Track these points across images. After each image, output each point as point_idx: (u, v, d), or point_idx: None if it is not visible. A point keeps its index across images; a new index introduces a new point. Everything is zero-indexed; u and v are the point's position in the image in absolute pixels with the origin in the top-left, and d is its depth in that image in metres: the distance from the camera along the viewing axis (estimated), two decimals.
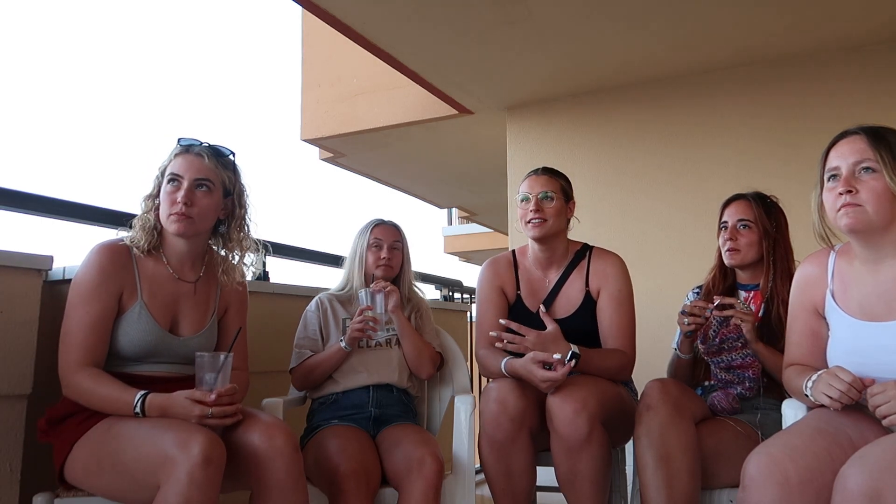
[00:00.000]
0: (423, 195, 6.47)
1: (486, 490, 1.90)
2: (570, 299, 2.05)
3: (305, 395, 2.10)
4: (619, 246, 2.24)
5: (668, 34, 3.18)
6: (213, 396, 1.41)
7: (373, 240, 2.13)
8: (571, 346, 1.82)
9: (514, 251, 2.19)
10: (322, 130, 4.59)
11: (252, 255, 1.78)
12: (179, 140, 1.67)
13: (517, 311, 2.07)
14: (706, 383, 1.99)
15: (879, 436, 1.30)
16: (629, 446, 1.91)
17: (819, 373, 1.42)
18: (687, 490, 1.64)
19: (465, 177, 5.70)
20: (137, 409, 1.43)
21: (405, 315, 2.09)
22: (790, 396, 1.64)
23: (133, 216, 1.67)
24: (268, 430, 1.45)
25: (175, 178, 1.61)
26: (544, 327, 1.89)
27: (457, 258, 11.65)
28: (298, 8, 3.19)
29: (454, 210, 10.57)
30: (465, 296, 4.16)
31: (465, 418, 1.95)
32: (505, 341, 1.83)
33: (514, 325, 1.82)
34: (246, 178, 1.74)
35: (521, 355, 1.82)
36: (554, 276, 2.08)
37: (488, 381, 1.99)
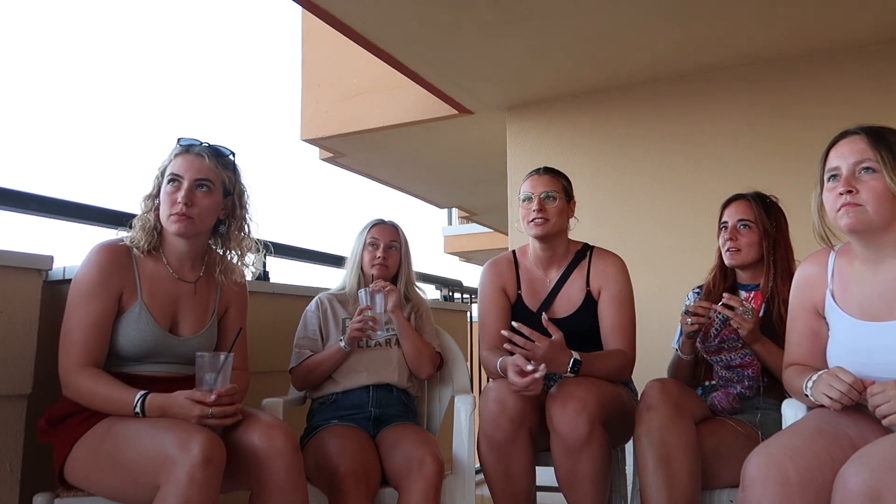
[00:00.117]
0: (423, 195, 6.48)
1: (486, 490, 1.90)
2: (570, 299, 2.05)
3: (305, 395, 2.10)
4: (620, 246, 2.24)
5: (669, 34, 3.19)
6: (212, 397, 1.41)
7: (370, 239, 2.14)
8: (573, 353, 1.82)
9: (514, 251, 2.19)
10: (322, 130, 4.59)
11: (252, 255, 1.78)
12: (179, 140, 1.66)
13: (518, 311, 2.08)
14: (706, 383, 1.99)
15: (879, 436, 1.30)
16: (629, 446, 1.91)
17: (819, 373, 1.42)
18: (687, 490, 1.64)
19: (465, 177, 5.70)
20: (137, 409, 1.43)
21: (405, 315, 2.09)
22: (790, 396, 1.64)
23: (133, 216, 1.67)
24: (268, 430, 1.45)
25: (175, 179, 1.60)
26: (544, 327, 1.90)
27: (457, 258, 11.65)
28: (298, 8, 3.19)
29: (454, 210, 10.57)
30: (465, 296, 4.16)
31: (465, 418, 1.95)
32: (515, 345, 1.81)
33: (525, 331, 1.76)
34: (246, 178, 1.74)
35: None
36: (555, 276, 2.09)
37: (488, 381, 1.99)
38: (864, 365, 1.38)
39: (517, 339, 1.74)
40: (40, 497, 1.48)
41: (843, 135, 1.46)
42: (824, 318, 1.54)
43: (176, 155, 1.64)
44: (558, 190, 2.03)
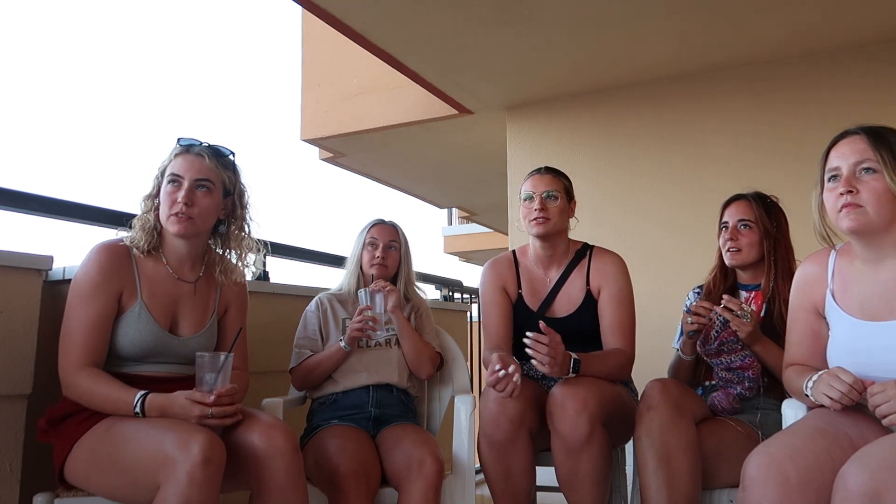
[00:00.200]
0: (423, 195, 6.47)
1: (486, 490, 1.90)
2: (570, 298, 2.05)
3: (305, 395, 2.10)
4: (620, 245, 2.24)
5: (669, 34, 3.19)
6: (212, 397, 1.41)
7: (369, 239, 2.14)
8: (572, 354, 1.82)
9: (514, 251, 2.19)
10: (322, 130, 4.58)
11: (252, 255, 1.78)
12: (179, 140, 1.66)
13: (518, 310, 2.08)
14: (706, 383, 1.99)
15: (879, 436, 1.30)
16: (629, 446, 1.91)
17: (819, 373, 1.42)
18: (687, 490, 1.64)
19: (465, 177, 5.70)
20: (137, 409, 1.43)
21: (405, 315, 2.09)
22: (790, 396, 1.64)
23: (133, 216, 1.67)
24: (268, 430, 1.45)
25: (175, 179, 1.60)
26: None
27: (457, 258, 11.64)
28: (298, 8, 3.19)
29: (454, 210, 10.57)
30: (465, 296, 4.15)
31: (465, 418, 1.95)
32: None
33: (541, 337, 1.73)
34: (246, 178, 1.74)
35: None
36: (555, 275, 2.09)
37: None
38: (865, 365, 1.38)
39: (528, 341, 1.72)
40: (40, 497, 1.48)
41: (844, 135, 1.45)
42: (825, 318, 1.54)
43: (176, 155, 1.64)
44: (559, 189, 2.03)
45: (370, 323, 1.92)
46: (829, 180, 1.45)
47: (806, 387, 1.44)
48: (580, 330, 1.98)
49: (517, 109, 4.04)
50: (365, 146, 4.79)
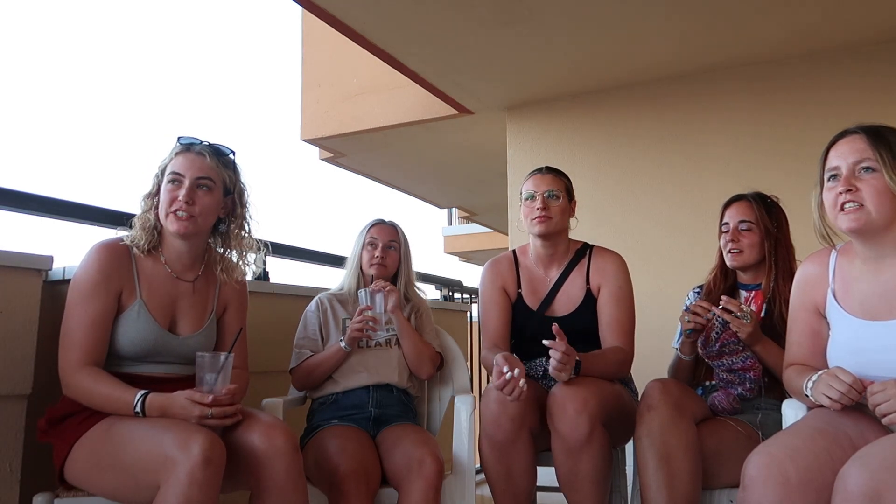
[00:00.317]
0: (423, 195, 6.47)
1: (486, 490, 1.90)
2: (570, 297, 2.05)
3: (305, 395, 2.09)
4: (620, 245, 2.24)
5: (669, 34, 3.19)
6: (209, 399, 1.41)
7: (369, 239, 2.14)
8: (576, 356, 1.81)
9: (514, 251, 2.20)
10: (322, 130, 4.58)
11: (252, 254, 1.78)
12: (179, 139, 1.66)
13: (518, 310, 2.08)
14: (706, 383, 1.99)
15: (879, 436, 1.30)
16: (629, 446, 1.91)
17: (819, 373, 1.42)
18: (687, 490, 1.64)
19: (465, 177, 5.70)
20: (137, 409, 1.43)
21: (405, 315, 2.09)
22: (790, 396, 1.64)
23: (133, 216, 1.67)
24: (268, 430, 1.45)
25: (176, 178, 1.60)
26: (544, 325, 1.90)
27: (457, 258, 11.64)
28: (298, 8, 3.19)
29: (454, 210, 10.56)
30: (465, 296, 4.15)
31: (465, 418, 1.95)
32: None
33: (557, 345, 1.73)
34: (246, 178, 1.74)
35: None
36: (555, 275, 2.09)
37: (488, 381, 1.99)
38: (865, 364, 1.38)
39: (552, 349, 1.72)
40: (40, 497, 1.48)
41: (843, 134, 1.46)
42: (825, 318, 1.54)
43: (177, 154, 1.64)
44: (561, 189, 2.04)
45: (370, 323, 1.92)
46: (828, 180, 1.45)
47: (806, 387, 1.44)
48: (580, 329, 1.98)
49: (517, 109, 4.04)
50: (365, 146, 4.79)
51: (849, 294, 1.48)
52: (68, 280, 1.61)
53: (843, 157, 1.42)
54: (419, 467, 1.70)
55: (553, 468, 1.81)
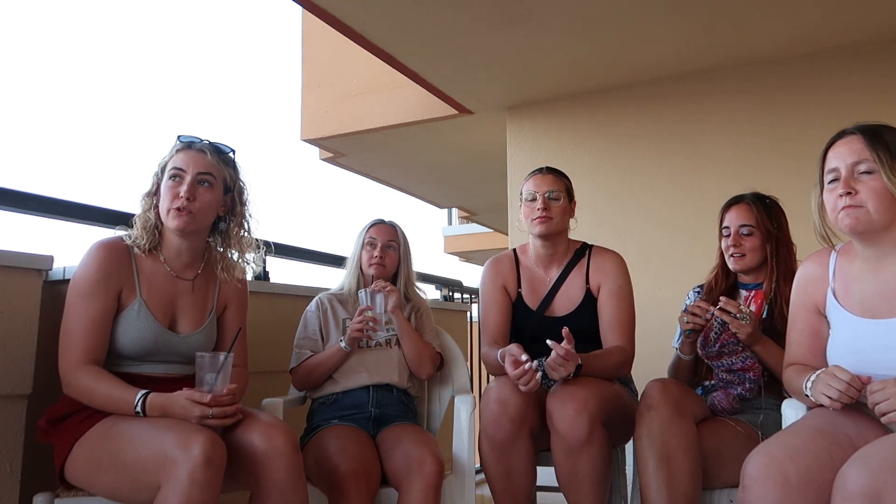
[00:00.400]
0: (423, 195, 6.47)
1: (486, 490, 1.90)
2: (570, 297, 2.06)
3: (305, 395, 2.10)
4: (620, 245, 2.24)
5: (669, 35, 3.19)
6: (208, 399, 1.41)
7: (368, 239, 2.14)
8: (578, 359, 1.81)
9: (514, 250, 2.20)
10: (322, 130, 4.59)
11: (252, 252, 1.78)
12: (179, 137, 1.66)
13: (518, 309, 2.09)
14: (706, 383, 1.99)
15: (879, 435, 1.30)
16: (629, 446, 1.91)
17: (818, 372, 1.42)
18: (687, 490, 1.64)
19: (465, 177, 5.70)
20: (138, 409, 1.43)
21: (405, 315, 2.09)
22: (790, 396, 1.64)
23: (133, 216, 1.67)
24: (268, 430, 1.45)
25: (177, 174, 1.60)
26: (544, 325, 1.90)
27: (457, 258, 11.65)
28: (298, 8, 3.19)
29: (454, 210, 10.56)
30: (465, 296, 4.15)
31: (465, 418, 1.95)
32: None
33: (559, 348, 1.73)
34: (246, 176, 1.74)
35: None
36: (554, 274, 2.10)
37: (488, 381, 1.99)
38: (865, 363, 1.38)
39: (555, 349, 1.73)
40: (40, 497, 1.48)
41: (841, 135, 1.46)
42: (825, 318, 1.54)
43: (178, 150, 1.64)
44: (561, 190, 2.05)
45: (370, 323, 1.92)
46: (828, 182, 1.45)
47: (805, 387, 1.44)
48: (580, 329, 1.97)
49: (517, 109, 4.04)
50: (365, 146, 4.79)
51: (849, 293, 1.48)
52: (68, 280, 1.61)
53: (841, 158, 1.42)
54: (419, 467, 1.70)
55: (553, 468, 1.81)
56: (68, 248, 1.79)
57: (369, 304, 1.96)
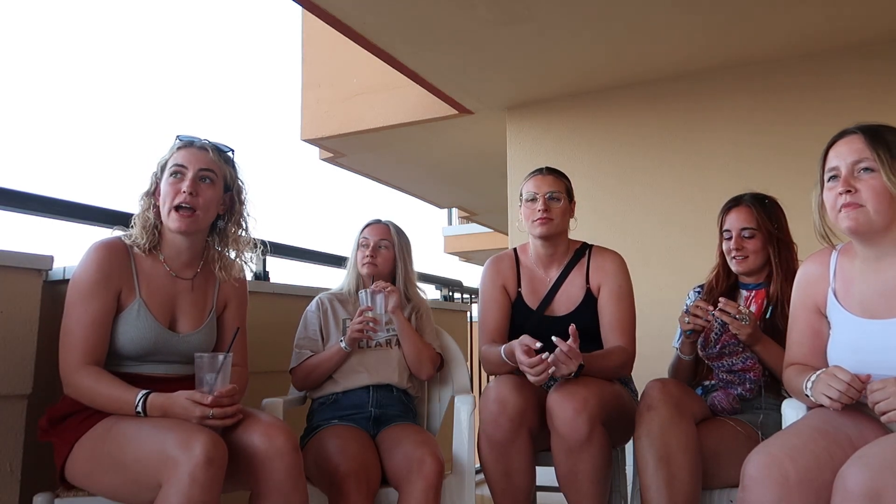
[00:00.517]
0: (423, 195, 6.47)
1: (486, 490, 1.90)
2: (570, 297, 2.06)
3: (305, 395, 2.10)
4: (620, 245, 2.25)
5: (669, 34, 3.19)
6: (209, 399, 1.41)
7: (362, 239, 2.15)
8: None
9: (515, 249, 2.20)
10: (322, 130, 4.58)
11: (249, 252, 1.78)
12: (179, 136, 1.67)
13: (518, 309, 2.09)
14: (706, 383, 1.99)
15: (879, 435, 1.30)
16: (629, 446, 1.91)
17: (818, 373, 1.42)
18: (687, 490, 1.64)
19: (465, 177, 5.70)
20: (139, 409, 1.43)
21: (405, 315, 2.09)
22: (790, 396, 1.64)
23: (133, 216, 1.67)
24: (268, 430, 1.45)
25: (179, 170, 1.60)
26: (544, 325, 1.90)
27: (457, 258, 11.65)
28: (298, 8, 3.19)
29: (454, 210, 10.57)
30: (465, 296, 4.16)
31: (465, 418, 1.95)
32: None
33: (564, 345, 1.73)
34: (244, 175, 1.74)
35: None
36: (554, 274, 2.10)
37: (488, 381, 1.99)
38: (865, 362, 1.38)
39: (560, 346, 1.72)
40: (40, 497, 1.48)
41: (842, 134, 1.46)
42: (826, 317, 1.54)
43: (178, 148, 1.64)
44: (562, 190, 2.05)
45: (371, 324, 1.92)
46: (828, 180, 1.45)
47: (805, 387, 1.44)
48: (580, 328, 1.97)
49: (517, 109, 4.04)
50: (365, 146, 4.79)
51: (849, 293, 1.48)
52: (68, 280, 1.61)
53: (841, 157, 1.42)
54: (419, 467, 1.70)
55: (553, 468, 1.81)
56: (68, 248, 1.79)
57: (370, 304, 1.96)
